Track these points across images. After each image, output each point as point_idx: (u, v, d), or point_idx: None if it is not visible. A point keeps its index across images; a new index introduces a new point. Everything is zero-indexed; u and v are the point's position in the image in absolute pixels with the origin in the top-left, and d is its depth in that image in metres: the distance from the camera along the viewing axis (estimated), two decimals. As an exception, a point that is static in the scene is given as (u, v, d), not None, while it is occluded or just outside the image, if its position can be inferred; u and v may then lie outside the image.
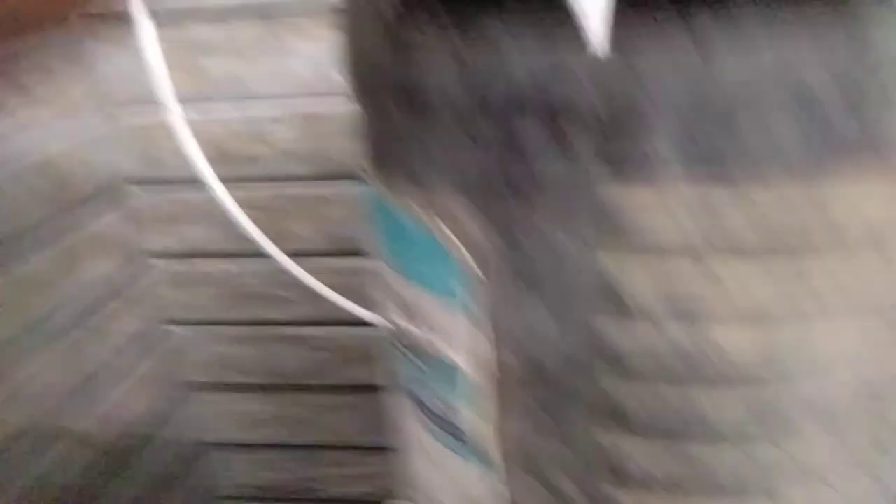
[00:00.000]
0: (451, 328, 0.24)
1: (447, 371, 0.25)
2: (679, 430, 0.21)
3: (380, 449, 0.70)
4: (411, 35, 0.20)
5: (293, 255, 0.54)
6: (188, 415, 0.71)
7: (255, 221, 0.54)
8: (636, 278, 0.20)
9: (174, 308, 0.67)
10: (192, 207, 0.63)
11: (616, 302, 0.20)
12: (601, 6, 0.17)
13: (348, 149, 0.59)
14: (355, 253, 0.62)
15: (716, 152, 0.17)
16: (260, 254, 0.63)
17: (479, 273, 0.22)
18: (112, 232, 0.61)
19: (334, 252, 0.63)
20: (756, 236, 0.18)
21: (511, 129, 0.20)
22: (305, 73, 0.57)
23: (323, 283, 0.55)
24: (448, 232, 0.22)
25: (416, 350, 0.27)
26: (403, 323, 0.27)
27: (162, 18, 0.51)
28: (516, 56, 0.19)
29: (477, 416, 0.24)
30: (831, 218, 0.17)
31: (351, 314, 0.64)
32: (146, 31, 0.46)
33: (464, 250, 0.22)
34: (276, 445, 0.72)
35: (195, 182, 0.63)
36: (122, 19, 0.55)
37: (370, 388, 0.68)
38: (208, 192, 0.62)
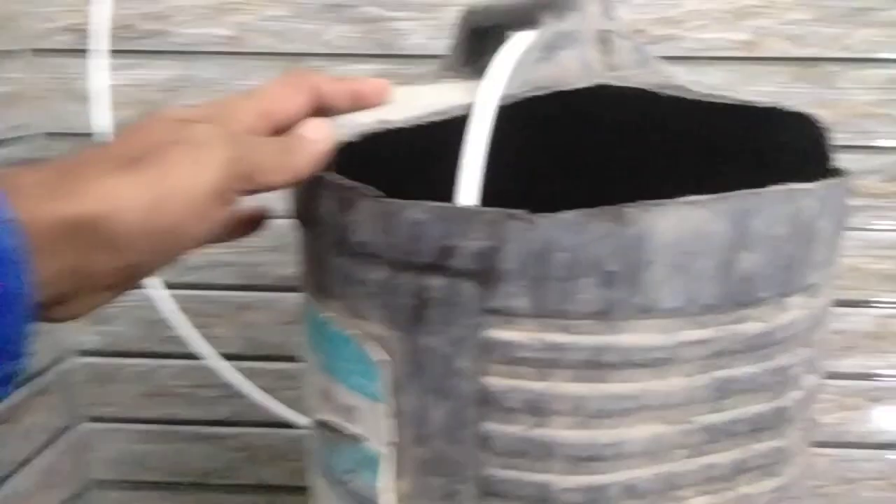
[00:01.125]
0: (361, 410, 0.31)
1: (356, 446, 0.31)
2: (534, 500, 0.28)
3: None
4: (350, 197, 0.28)
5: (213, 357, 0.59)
6: (91, 513, 0.71)
7: (179, 322, 0.58)
8: (501, 385, 0.27)
9: (90, 404, 0.69)
10: (114, 304, 0.67)
11: (484, 396, 0.27)
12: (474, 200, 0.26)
13: (274, 261, 0.65)
14: (274, 358, 0.67)
15: (550, 305, 0.25)
16: (178, 354, 0.67)
17: (386, 366, 0.29)
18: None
19: (252, 356, 0.67)
20: (577, 358, 0.26)
21: (416, 265, 0.27)
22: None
23: (242, 384, 0.59)
24: (363, 336, 0.29)
25: (330, 432, 0.33)
26: (321, 406, 0.33)
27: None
28: (422, 229, 0.27)
29: (379, 481, 0.30)
30: (621, 347, 0.26)
31: (263, 415, 0.68)
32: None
33: (377, 349, 0.29)
34: (180, 546, 0.73)
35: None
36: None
37: (280, 489, 0.71)
38: (131, 292, 0.67)
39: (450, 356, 0.28)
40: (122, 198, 0.23)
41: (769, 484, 0.30)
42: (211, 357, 0.58)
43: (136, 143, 0.25)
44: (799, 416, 0.30)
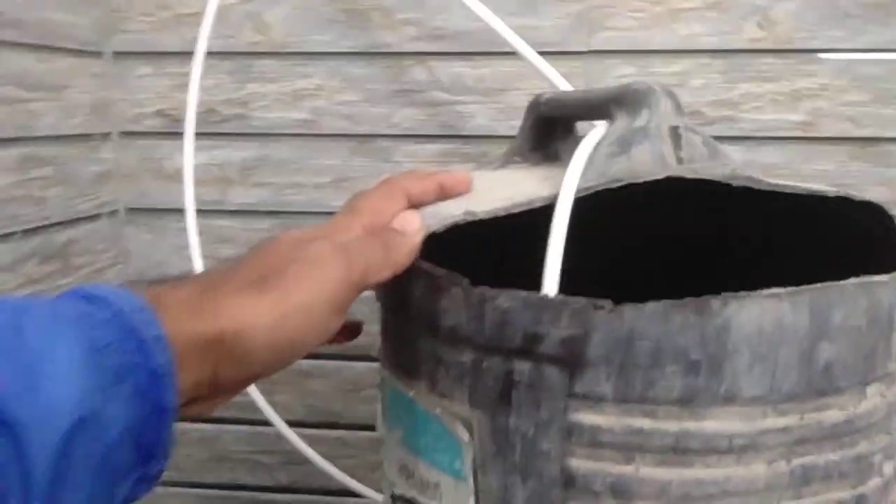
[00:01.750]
0: (442, 488, 0.32)
1: (439, 527, 0.32)
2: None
3: None
4: (441, 285, 0.30)
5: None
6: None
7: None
8: (585, 467, 0.28)
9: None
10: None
11: (568, 477, 0.28)
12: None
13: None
14: (333, 426, 0.69)
15: (635, 391, 0.26)
16: (240, 420, 0.69)
17: (470, 446, 0.30)
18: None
19: (312, 424, 0.69)
20: (661, 444, 0.27)
21: (502, 350, 0.29)
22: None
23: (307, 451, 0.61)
24: (448, 414, 0.31)
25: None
26: (401, 482, 0.34)
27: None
28: (505, 301, 0.28)
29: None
30: (704, 434, 0.27)
31: (322, 483, 0.69)
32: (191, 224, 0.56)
33: (461, 430, 0.30)
34: None
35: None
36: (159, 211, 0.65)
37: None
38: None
39: (534, 438, 0.29)
40: (252, 316, 0.26)
41: (853, 572, 0.29)
42: (277, 423, 0.60)
43: (262, 264, 0.28)
44: (879, 503, 0.30)
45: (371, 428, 0.64)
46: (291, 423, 0.67)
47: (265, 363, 0.27)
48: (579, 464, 0.28)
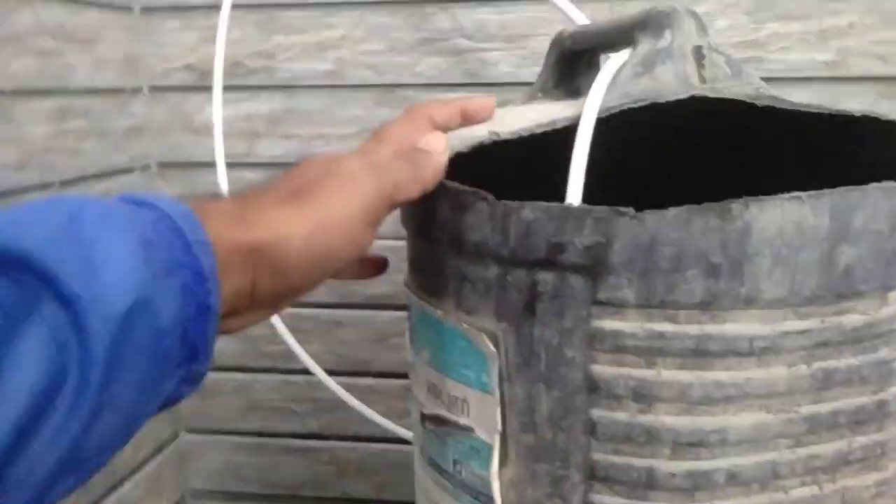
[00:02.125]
0: (470, 403, 0.33)
1: (465, 436, 0.33)
2: (639, 485, 0.29)
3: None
4: (466, 201, 0.30)
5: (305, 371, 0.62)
6: (190, 520, 0.75)
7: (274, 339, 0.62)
8: (608, 373, 0.29)
9: (191, 416, 0.73)
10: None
11: (592, 384, 0.29)
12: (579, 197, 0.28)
13: (365, 280, 0.69)
14: (364, 373, 0.70)
15: (656, 296, 0.27)
16: (273, 369, 0.71)
17: (497, 359, 0.31)
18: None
19: (344, 372, 0.70)
20: (682, 347, 0.28)
21: (526, 262, 0.29)
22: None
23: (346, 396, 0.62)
24: (475, 330, 0.32)
25: (439, 425, 0.35)
26: (430, 401, 0.35)
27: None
28: (529, 213, 0.29)
29: (485, 470, 0.32)
30: (725, 337, 0.27)
31: (353, 429, 0.71)
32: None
33: (487, 343, 0.31)
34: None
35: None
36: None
37: (367, 502, 0.73)
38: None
39: (559, 346, 0.30)
40: (288, 226, 0.27)
41: (871, 478, 0.30)
42: (314, 369, 0.62)
43: (297, 180, 0.29)
44: (901, 412, 0.31)
45: (401, 375, 0.66)
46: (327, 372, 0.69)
47: (302, 274, 0.28)
48: (602, 369, 0.29)
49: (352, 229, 0.29)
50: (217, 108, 0.58)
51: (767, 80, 0.58)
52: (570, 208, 0.29)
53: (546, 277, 0.29)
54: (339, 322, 0.70)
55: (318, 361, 0.66)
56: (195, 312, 0.25)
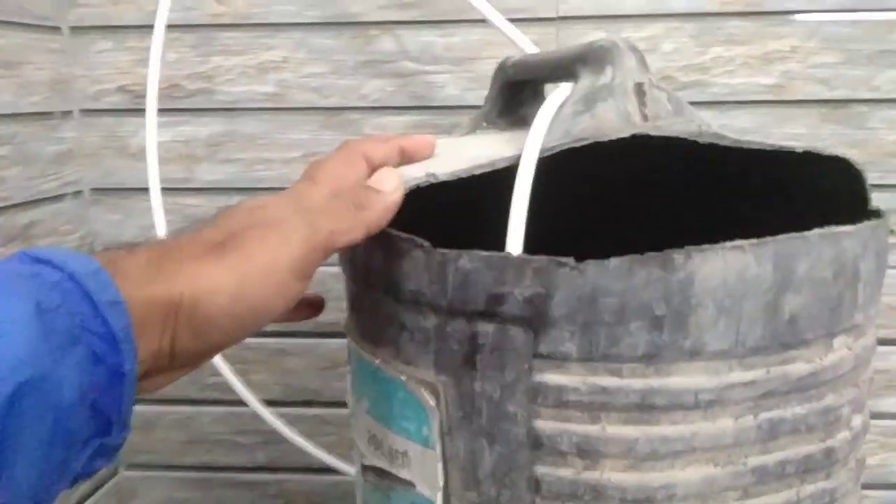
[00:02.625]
0: (410, 457, 0.31)
1: (406, 491, 0.32)
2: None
3: None
4: (402, 248, 0.29)
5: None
6: (131, 562, 0.72)
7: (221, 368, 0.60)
8: (552, 428, 0.28)
9: (131, 451, 0.70)
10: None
11: (535, 440, 0.28)
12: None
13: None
14: (312, 403, 0.68)
15: (599, 349, 0.26)
16: (217, 401, 0.68)
17: (437, 413, 0.29)
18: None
19: (290, 402, 0.68)
20: (626, 402, 0.27)
21: (465, 313, 0.28)
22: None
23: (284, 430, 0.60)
24: (414, 381, 0.30)
25: (379, 477, 0.34)
26: (370, 451, 0.34)
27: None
28: (468, 263, 0.28)
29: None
30: (670, 390, 0.26)
31: (301, 461, 0.68)
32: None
33: (427, 397, 0.30)
34: None
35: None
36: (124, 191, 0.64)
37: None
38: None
39: (501, 401, 0.28)
40: (210, 281, 0.25)
41: (822, 526, 0.29)
42: (253, 403, 0.59)
43: (221, 230, 0.27)
44: (848, 456, 0.30)
45: (349, 405, 0.64)
46: (268, 403, 0.66)
47: (225, 330, 0.26)
48: (546, 425, 0.28)
49: (280, 282, 0.27)
50: (151, 132, 0.55)
51: (713, 103, 0.59)
52: (509, 258, 0.27)
53: (486, 329, 0.28)
54: (284, 351, 0.68)
55: (263, 392, 0.64)
56: (106, 382, 0.23)
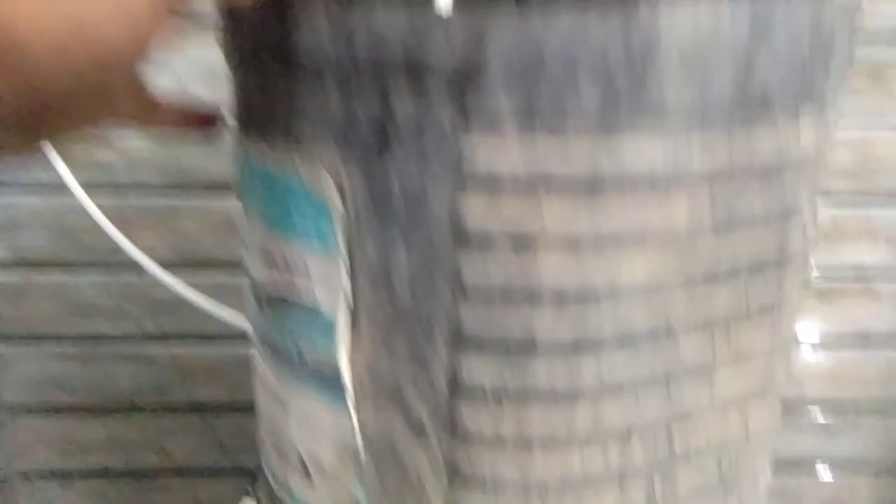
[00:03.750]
0: (311, 268, 0.26)
1: (308, 313, 0.27)
2: (515, 347, 0.24)
3: (226, 471, 0.68)
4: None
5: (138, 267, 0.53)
6: (4, 440, 0.65)
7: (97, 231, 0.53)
8: (479, 214, 0.23)
9: (0, 321, 0.63)
10: (26, 213, 0.60)
11: (461, 234, 0.23)
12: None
13: (202, 159, 0.60)
14: (205, 265, 0.62)
15: (543, 119, 0.21)
16: (93, 263, 0.61)
17: (342, 210, 0.24)
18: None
19: (183, 264, 0.62)
20: (571, 179, 0.22)
21: (378, 82, 0.23)
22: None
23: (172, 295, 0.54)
24: (314, 177, 0.25)
25: (275, 303, 0.29)
26: (266, 273, 0.29)
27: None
28: (382, 18, 0.22)
29: (332, 349, 0.26)
30: (622, 163, 0.22)
31: (196, 329, 0.63)
32: None
33: (329, 190, 0.24)
34: (109, 472, 0.68)
35: (30, 186, 0.60)
36: None
37: (214, 408, 0.66)
38: (44, 198, 0.60)
39: (421, 191, 0.23)
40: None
41: (766, 335, 0.27)
42: (146, 263, 0.53)
43: None
44: (797, 261, 0.28)
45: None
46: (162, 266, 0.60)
47: (49, 66, 0.19)
48: (475, 213, 0.23)
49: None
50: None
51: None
52: (433, 9, 0.22)
53: (404, 102, 0.23)
54: (175, 210, 0.61)
55: (152, 256, 0.57)
56: None
